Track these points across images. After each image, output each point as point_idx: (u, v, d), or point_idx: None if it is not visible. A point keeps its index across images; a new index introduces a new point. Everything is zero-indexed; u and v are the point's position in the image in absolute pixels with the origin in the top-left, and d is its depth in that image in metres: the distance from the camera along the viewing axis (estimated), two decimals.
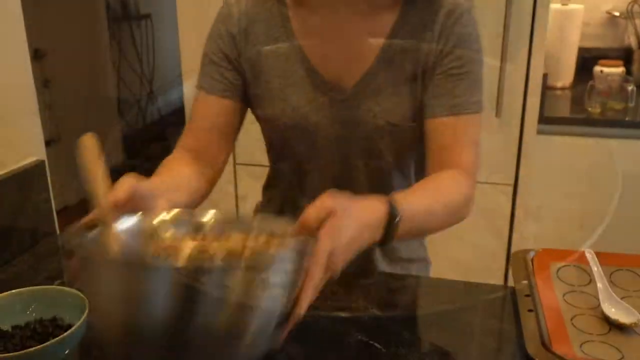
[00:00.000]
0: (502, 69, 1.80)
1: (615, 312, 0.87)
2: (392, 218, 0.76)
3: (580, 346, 0.82)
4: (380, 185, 1.02)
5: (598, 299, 0.90)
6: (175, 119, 4.91)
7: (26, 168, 1.14)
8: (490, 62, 1.81)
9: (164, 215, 0.75)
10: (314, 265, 0.66)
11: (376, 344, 0.83)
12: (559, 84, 2.23)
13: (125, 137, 4.27)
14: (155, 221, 0.74)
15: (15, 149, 1.13)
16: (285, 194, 1.09)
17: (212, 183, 1.02)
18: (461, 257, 1.99)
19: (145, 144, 4.34)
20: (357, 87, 0.95)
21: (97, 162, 0.71)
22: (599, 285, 0.92)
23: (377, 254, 1.08)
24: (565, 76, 2.23)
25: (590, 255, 0.99)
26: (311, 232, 0.68)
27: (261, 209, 1.17)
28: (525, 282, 0.95)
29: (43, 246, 1.14)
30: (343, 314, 0.90)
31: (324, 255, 0.66)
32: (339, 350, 0.82)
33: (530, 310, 0.88)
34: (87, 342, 0.82)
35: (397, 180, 1.03)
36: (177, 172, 0.96)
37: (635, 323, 0.84)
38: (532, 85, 1.82)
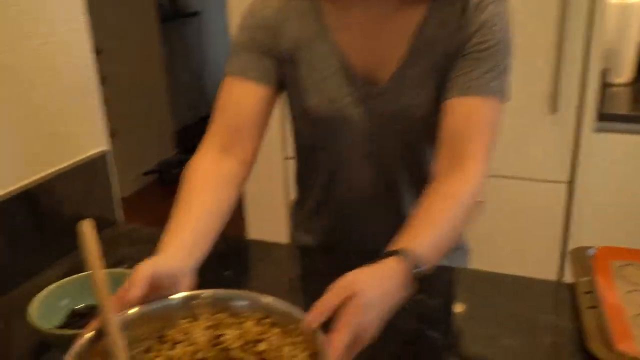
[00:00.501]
0: (558, 65, 1.77)
1: None
2: (412, 270, 0.74)
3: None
4: (415, 177, 1.03)
5: None
6: None
7: (92, 158, 1.18)
8: (546, 58, 1.78)
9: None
10: (337, 342, 0.62)
11: (434, 334, 0.84)
12: (619, 80, 2.18)
13: (177, 132, 4.37)
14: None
15: (81, 140, 1.18)
16: (318, 189, 1.09)
17: (242, 184, 0.98)
18: (514, 253, 1.96)
19: (196, 138, 4.41)
20: (392, 81, 0.96)
21: (96, 250, 0.67)
22: None
23: None
24: (625, 72, 2.17)
25: None
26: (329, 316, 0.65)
27: (296, 208, 1.18)
28: (586, 278, 0.94)
29: (108, 234, 1.19)
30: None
31: (350, 331, 0.64)
32: (396, 339, 0.83)
33: (591, 307, 0.87)
34: None
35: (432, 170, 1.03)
36: (201, 207, 0.88)
37: None
38: (589, 82, 1.78)
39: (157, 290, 0.71)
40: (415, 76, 0.95)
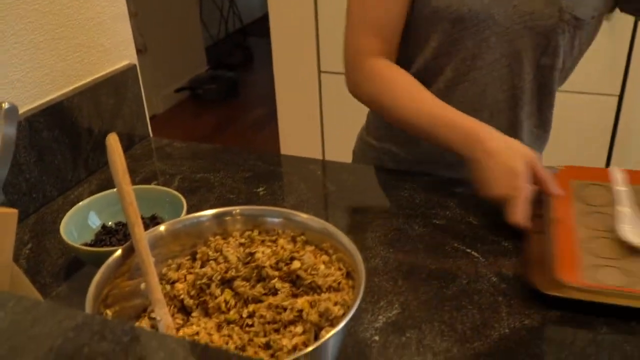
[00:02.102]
0: None
1: (634, 235, 0.78)
2: None
3: (590, 271, 0.74)
4: (543, 83, 0.97)
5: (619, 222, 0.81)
6: (256, 28, 4.88)
7: (121, 71, 1.14)
8: None
9: None
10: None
11: (474, 253, 0.81)
12: None
13: (208, 48, 4.29)
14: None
15: (109, 53, 1.14)
16: (438, 96, 0.95)
17: None
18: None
19: (227, 53, 4.35)
20: None
21: (123, 165, 0.65)
22: (621, 205, 0.83)
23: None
24: None
25: (615, 173, 0.89)
26: None
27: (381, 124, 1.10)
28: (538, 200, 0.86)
29: (139, 149, 1.17)
30: (438, 222, 0.88)
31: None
32: (437, 258, 0.80)
33: (538, 232, 0.81)
34: None
35: (558, 81, 0.99)
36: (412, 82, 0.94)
37: None
38: None
39: None
40: None
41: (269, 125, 3.37)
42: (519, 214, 0.80)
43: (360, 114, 1.17)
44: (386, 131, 1.10)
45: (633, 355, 0.63)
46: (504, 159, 0.83)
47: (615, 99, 1.80)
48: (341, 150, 1.30)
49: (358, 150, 1.18)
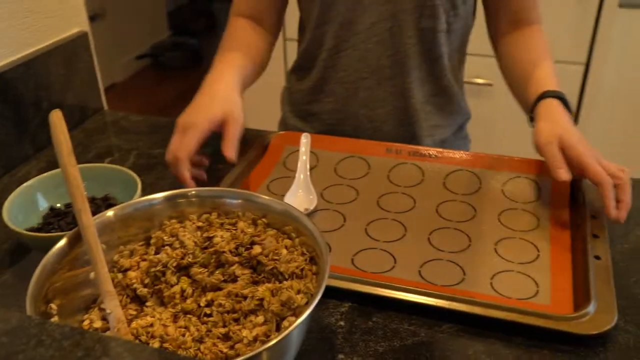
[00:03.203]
0: None
1: (289, 199, 0.81)
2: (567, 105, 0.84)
3: None
4: (428, 48, 0.94)
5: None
6: None
7: (71, 39, 1.07)
8: None
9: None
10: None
11: None
12: None
13: (170, 13, 4.15)
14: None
15: (58, 20, 1.06)
16: (321, 68, 1.00)
17: (272, 49, 1.04)
18: (520, 134, 1.89)
19: (191, 19, 4.21)
20: None
21: (67, 145, 0.60)
22: (299, 173, 0.85)
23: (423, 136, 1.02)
24: None
25: (304, 139, 0.89)
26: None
27: (290, 95, 1.10)
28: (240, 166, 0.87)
29: (92, 123, 1.11)
30: None
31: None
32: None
33: None
34: None
35: (446, 45, 0.95)
36: (247, 42, 0.99)
37: (306, 208, 0.80)
38: None
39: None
40: None
41: None
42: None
43: None
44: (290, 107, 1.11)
45: None
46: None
47: (582, 67, 1.79)
48: None
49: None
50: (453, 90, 1.01)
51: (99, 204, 0.76)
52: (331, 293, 0.66)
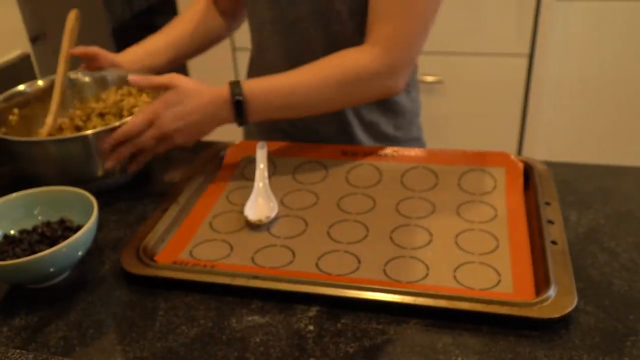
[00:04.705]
0: None
1: (250, 209, 0.81)
2: (234, 97, 0.82)
3: (194, 248, 0.75)
4: (334, 46, 0.92)
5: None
6: (164, 7, 4.69)
7: (13, 62, 1.05)
8: None
9: None
10: (135, 116, 0.79)
11: None
12: None
13: (114, 30, 4.08)
14: None
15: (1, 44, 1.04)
16: (254, 62, 1.06)
17: (221, 27, 1.10)
18: (472, 129, 1.93)
19: (135, 35, 4.16)
20: None
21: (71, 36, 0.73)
22: (257, 181, 0.86)
23: (356, 128, 1.01)
24: None
25: (260, 148, 0.91)
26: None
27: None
28: (198, 179, 0.88)
29: None
30: None
31: (150, 111, 0.79)
32: None
33: (164, 210, 0.80)
34: (100, 243, 0.79)
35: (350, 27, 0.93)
36: (175, 31, 1.11)
37: (260, 220, 0.78)
38: None
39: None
40: None
41: None
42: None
43: None
44: None
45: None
46: None
47: (526, 59, 1.84)
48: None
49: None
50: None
51: (55, 228, 0.74)
52: (298, 298, 0.66)
